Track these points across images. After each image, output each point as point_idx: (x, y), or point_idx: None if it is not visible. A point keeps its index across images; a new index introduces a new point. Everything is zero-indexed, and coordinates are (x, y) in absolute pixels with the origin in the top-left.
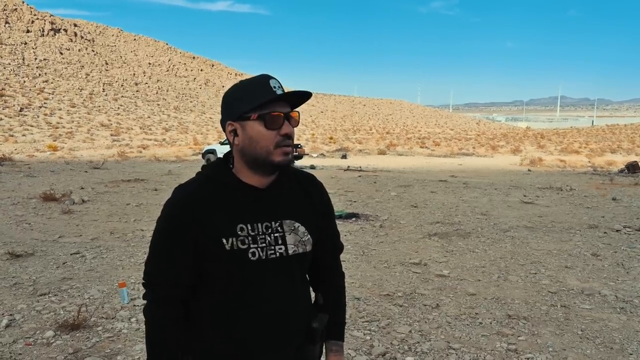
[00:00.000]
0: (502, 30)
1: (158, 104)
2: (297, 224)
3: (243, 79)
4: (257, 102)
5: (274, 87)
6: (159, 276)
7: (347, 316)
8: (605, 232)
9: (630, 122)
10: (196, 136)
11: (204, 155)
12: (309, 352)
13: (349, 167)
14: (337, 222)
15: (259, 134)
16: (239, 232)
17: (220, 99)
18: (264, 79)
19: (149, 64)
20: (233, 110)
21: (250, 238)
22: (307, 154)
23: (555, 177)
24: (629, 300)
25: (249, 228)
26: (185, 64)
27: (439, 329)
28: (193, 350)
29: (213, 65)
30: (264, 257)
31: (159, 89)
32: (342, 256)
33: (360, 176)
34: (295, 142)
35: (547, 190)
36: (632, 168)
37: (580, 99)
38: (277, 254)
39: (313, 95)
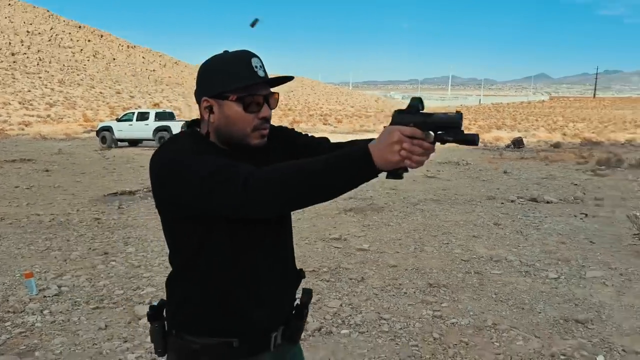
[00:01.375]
0: (399, 10)
1: (40, 77)
2: None
3: (223, 52)
4: (237, 84)
5: (256, 68)
6: (231, 166)
7: None
8: (502, 203)
9: (512, 100)
10: (86, 112)
11: (98, 132)
12: (298, 330)
13: None
14: None
15: (236, 115)
16: None
17: (112, 71)
18: (246, 57)
19: (28, 32)
20: (210, 86)
21: None
22: None
23: (453, 152)
24: (531, 264)
25: None
26: (70, 33)
27: (367, 301)
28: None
29: (102, 36)
30: None
31: (40, 60)
32: None
33: None
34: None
35: (446, 165)
36: (517, 143)
37: (469, 79)
38: None
39: None
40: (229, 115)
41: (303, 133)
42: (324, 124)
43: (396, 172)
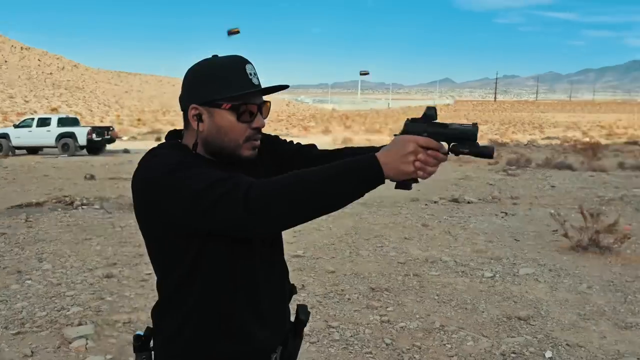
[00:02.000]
0: (309, 15)
1: None
2: None
3: (212, 56)
4: (232, 92)
5: (250, 75)
6: (229, 178)
7: None
8: (426, 204)
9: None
10: None
11: None
12: (296, 350)
13: None
14: None
15: (229, 125)
16: None
17: (3, 75)
18: (240, 64)
19: None
20: (201, 93)
21: None
22: (119, 137)
23: None
24: (465, 264)
25: None
26: None
27: (312, 309)
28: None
29: None
30: None
31: None
32: None
33: None
34: (105, 124)
35: None
36: None
37: (378, 83)
38: None
39: (116, 74)
40: (221, 124)
41: (288, 140)
42: None
43: (406, 183)
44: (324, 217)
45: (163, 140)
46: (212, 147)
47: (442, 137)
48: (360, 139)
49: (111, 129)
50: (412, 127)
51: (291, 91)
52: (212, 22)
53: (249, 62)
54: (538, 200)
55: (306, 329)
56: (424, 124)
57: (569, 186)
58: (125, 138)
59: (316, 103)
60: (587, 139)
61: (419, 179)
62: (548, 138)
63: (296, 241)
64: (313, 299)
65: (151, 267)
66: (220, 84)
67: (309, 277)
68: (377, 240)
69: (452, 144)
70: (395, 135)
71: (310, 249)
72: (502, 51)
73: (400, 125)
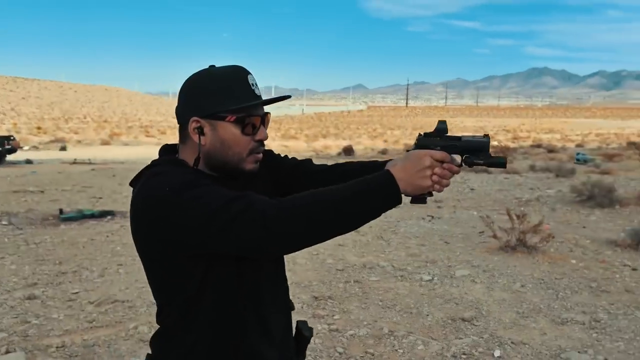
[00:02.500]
0: (220, 20)
1: None
2: None
3: (209, 67)
4: (236, 104)
5: (252, 86)
6: (243, 197)
7: (148, 327)
8: None
9: (333, 110)
10: None
11: None
12: None
13: (75, 160)
14: (91, 221)
15: (233, 138)
16: None
17: None
18: (242, 74)
19: None
20: (202, 105)
21: None
22: (20, 147)
23: None
24: (403, 268)
25: None
26: None
27: None
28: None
29: None
30: None
31: None
32: (117, 260)
33: (93, 169)
34: (4, 134)
35: None
36: (347, 151)
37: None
38: None
39: (12, 79)
40: (225, 137)
41: (282, 155)
42: (147, 135)
43: (422, 197)
44: None
45: (65, 148)
46: (214, 162)
47: (455, 149)
48: (276, 145)
49: (12, 138)
50: (425, 141)
51: None
52: (112, 26)
53: (249, 73)
54: (460, 203)
55: None
56: (437, 138)
57: (487, 189)
58: (26, 148)
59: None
60: (496, 143)
61: (434, 192)
62: None
63: None
64: None
65: (77, 285)
66: (224, 95)
67: None
68: (311, 248)
69: (465, 156)
70: (407, 150)
71: None
72: (413, 58)
73: (315, 132)
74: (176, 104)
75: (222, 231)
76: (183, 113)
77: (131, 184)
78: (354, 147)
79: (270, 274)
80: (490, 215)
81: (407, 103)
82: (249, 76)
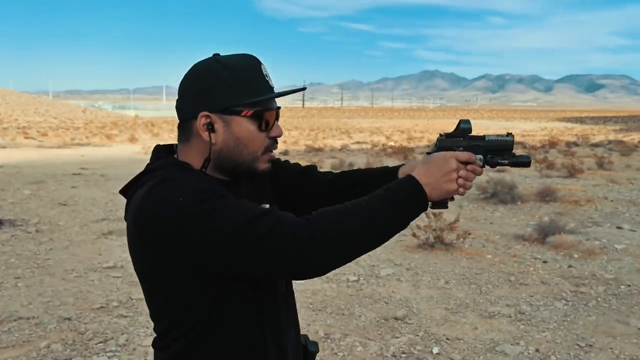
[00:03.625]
0: (108, 17)
1: None
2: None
3: (215, 55)
4: (253, 97)
5: (267, 77)
6: (269, 214)
7: (62, 345)
8: None
9: None
10: None
11: None
12: None
13: None
14: None
15: (248, 135)
16: None
17: None
18: (255, 63)
19: None
20: (215, 99)
21: None
22: None
23: None
24: None
25: None
26: None
27: None
28: None
29: None
30: None
31: None
32: (13, 273)
33: None
34: None
35: None
36: None
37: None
38: None
39: None
40: (240, 135)
41: (282, 160)
42: (26, 137)
43: (444, 202)
44: None
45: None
46: (226, 162)
47: (479, 150)
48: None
49: None
50: (447, 142)
51: (87, 96)
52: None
53: (262, 62)
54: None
55: None
56: (460, 138)
57: None
58: None
59: (117, 109)
60: (393, 143)
61: (456, 196)
62: (358, 143)
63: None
64: None
65: None
66: (240, 88)
67: None
68: None
69: (488, 156)
70: (428, 153)
71: None
72: (308, 59)
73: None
74: (177, 99)
75: (247, 250)
76: (189, 108)
77: (123, 192)
78: None
79: (282, 288)
80: None
81: (303, 104)
82: (262, 66)
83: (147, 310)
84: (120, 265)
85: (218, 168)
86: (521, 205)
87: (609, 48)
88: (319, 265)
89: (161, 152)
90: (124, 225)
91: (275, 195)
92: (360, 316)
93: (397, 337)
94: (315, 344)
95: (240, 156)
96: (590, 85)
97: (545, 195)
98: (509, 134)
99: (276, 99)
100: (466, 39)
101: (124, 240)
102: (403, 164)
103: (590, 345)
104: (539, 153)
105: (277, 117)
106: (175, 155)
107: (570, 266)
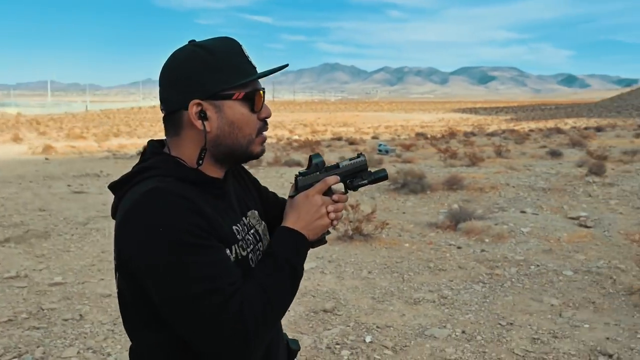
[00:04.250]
0: None
1: None
2: (256, 212)
3: (191, 42)
4: (243, 78)
5: (248, 57)
6: (226, 281)
7: None
8: None
9: (122, 106)
10: None
11: None
12: None
13: None
14: None
15: (242, 117)
16: (238, 236)
17: None
18: (236, 46)
19: None
20: (204, 85)
21: (244, 241)
22: None
23: (80, 163)
24: None
25: (240, 229)
26: None
27: (107, 339)
28: None
29: None
30: (256, 261)
31: None
32: None
33: None
34: None
35: (86, 178)
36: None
37: (71, 84)
38: (260, 253)
39: None
40: (233, 118)
41: None
42: None
43: (322, 238)
44: (67, 236)
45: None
46: (222, 149)
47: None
48: (62, 147)
49: None
50: (306, 181)
51: None
52: None
53: (241, 44)
54: (285, 197)
55: None
56: (316, 173)
57: None
58: None
59: None
60: (298, 137)
61: (329, 229)
62: None
63: (45, 267)
64: (100, 328)
65: None
66: (228, 71)
67: (85, 306)
68: None
69: (348, 181)
70: (290, 196)
71: (69, 273)
72: None
73: (104, 131)
74: (160, 92)
75: (190, 314)
76: (175, 98)
77: (113, 188)
78: None
79: None
80: None
81: None
82: (242, 47)
83: (62, 320)
84: (24, 275)
85: (213, 157)
86: (431, 195)
87: (498, 41)
88: (260, 345)
89: (156, 148)
90: (18, 231)
91: (260, 204)
92: (289, 311)
93: (329, 329)
94: (296, 341)
95: (236, 140)
96: (482, 77)
97: (453, 184)
98: (360, 155)
99: (259, 80)
100: (366, 32)
101: (24, 247)
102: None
103: (511, 324)
104: (441, 143)
105: (264, 96)
106: (166, 150)
107: (483, 250)
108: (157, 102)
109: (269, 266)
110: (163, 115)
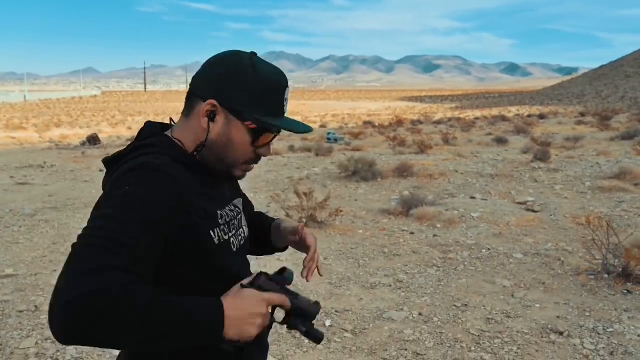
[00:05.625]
0: None
1: None
2: (240, 200)
3: (252, 54)
4: (266, 115)
5: (285, 101)
6: (117, 265)
7: None
8: None
9: (62, 96)
10: None
11: None
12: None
13: None
14: None
15: (240, 143)
16: (220, 220)
17: None
18: (282, 85)
19: None
20: (232, 96)
21: (226, 225)
22: None
23: (22, 154)
24: None
25: (224, 214)
26: None
27: None
28: None
29: None
30: (238, 246)
31: None
32: None
33: None
34: None
35: (29, 169)
36: (92, 140)
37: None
38: (242, 238)
39: None
40: (234, 138)
41: None
42: None
43: (235, 342)
44: (15, 228)
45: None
46: (209, 153)
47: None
48: (1, 137)
49: None
50: (265, 284)
51: None
52: None
53: (288, 85)
54: (249, 186)
55: (72, 353)
56: (278, 286)
57: (257, 170)
58: None
59: None
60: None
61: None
62: None
63: None
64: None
65: None
66: (258, 99)
67: (39, 297)
68: None
69: (292, 315)
70: (242, 285)
71: (20, 265)
72: (148, 40)
73: (44, 121)
74: (198, 71)
75: (76, 249)
76: (203, 87)
77: (107, 163)
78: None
79: (245, 267)
80: (266, 195)
81: (145, 87)
82: (287, 89)
83: (16, 312)
84: None
85: (202, 156)
86: (381, 182)
87: (441, 30)
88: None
89: (155, 128)
90: None
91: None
92: None
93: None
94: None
95: (224, 155)
96: (427, 65)
97: (403, 171)
98: (315, 303)
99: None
100: (310, 20)
101: None
102: (275, 219)
103: (465, 305)
104: (389, 131)
105: (272, 139)
106: (170, 130)
107: (435, 235)
108: (98, 92)
109: (168, 299)
110: (187, 92)
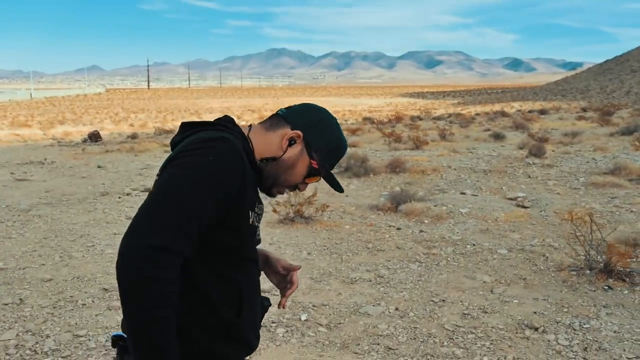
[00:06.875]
0: None
1: None
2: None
3: (335, 123)
4: (326, 163)
5: (338, 160)
6: (177, 244)
7: None
8: (120, 197)
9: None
10: None
11: None
12: None
13: None
14: None
15: (297, 172)
16: (257, 210)
17: None
18: (344, 151)
19: None
20: (316, 138)
21: (257, 217)
22: None
23: (24, 151)
24: None
25: (257, 207)
26: None
27: (46, 322)
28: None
29: None
30: (258, 240)
31: None
32: None
33: None
34: None
35: (30, 166)
36: (94, 137)
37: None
38: (260, 238)
39: None
40: (295, 167)
41: None
42: None
43: None
44: (9, 223)
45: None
46: (272, 168)
47: None
48: (7, 135)
49: None
50: None
51: None
52: None
53: (345, 154)
54: None
55: (49, 346)
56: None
57: None
58: None
59: None
60: (244, 123)
61: None
62: None
63: None
64: (40, 311)
65: None
66: (328, 150)
67: (25, 290)
68: (85, 240)
69: None
70: None
71: (10, 259)
72: (151, 38)
73: (49, 118)
74: (297, 108)
75: (145, 214)
76: (297, 119)
77: (184, 126)
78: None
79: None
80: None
81: (149, 85)
82: (342, 156)
83: (2, 305)
84: None
85: (262, 164)
86: (374, 178)
87: (443, 26)
88: (128, 285)
89: (233, 121)
90: None
91: None
92: None
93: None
94: (268, 299)
95: (281, 174)
96: (429, 61)
97: (395, 167)
98: None
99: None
100: (312, 16)
101: None
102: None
103: (443, 300)
104: (387, 127)
105: (316, 181)
106: (247, 128)
107: (421, 231)
108: (102, 90)
109: (170, 338)
110: (278, 111)
